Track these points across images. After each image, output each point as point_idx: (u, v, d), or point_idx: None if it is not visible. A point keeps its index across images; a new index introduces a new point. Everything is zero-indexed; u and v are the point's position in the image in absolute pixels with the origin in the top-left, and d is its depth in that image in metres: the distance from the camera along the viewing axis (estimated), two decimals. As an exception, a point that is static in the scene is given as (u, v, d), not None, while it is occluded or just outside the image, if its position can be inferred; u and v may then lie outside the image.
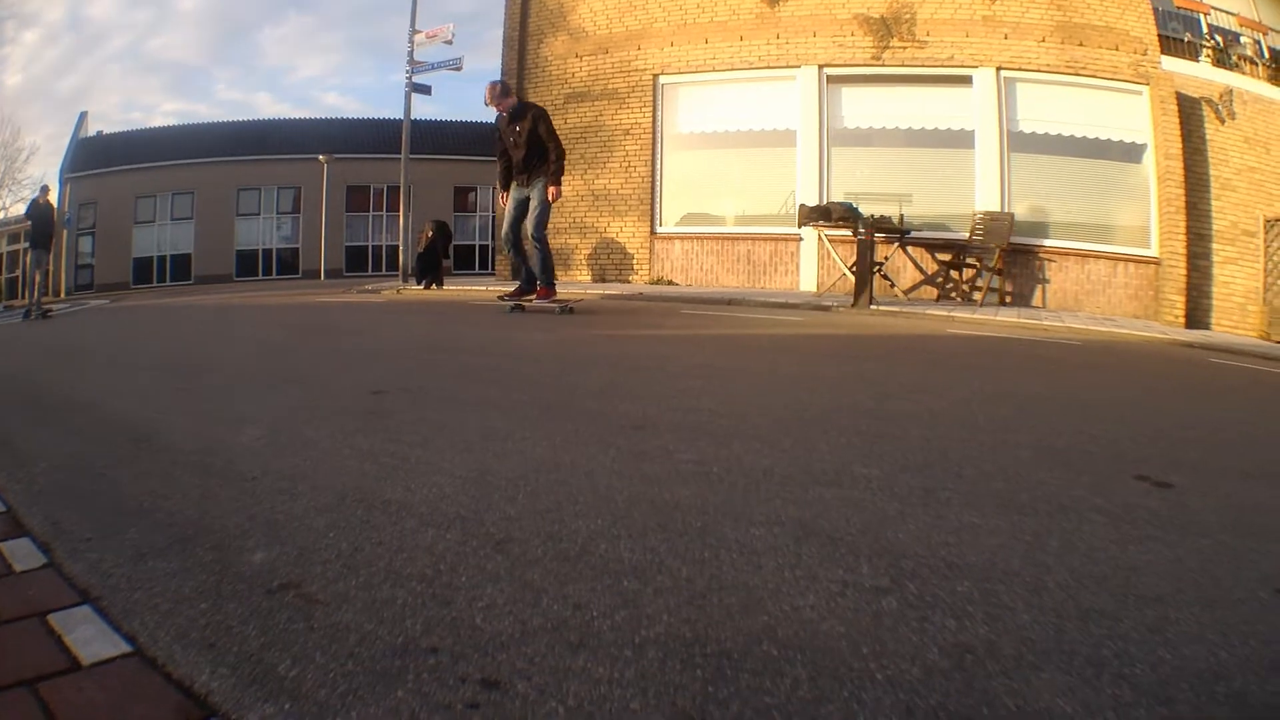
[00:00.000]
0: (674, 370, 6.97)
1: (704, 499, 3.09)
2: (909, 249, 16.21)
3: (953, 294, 15.48)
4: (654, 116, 18.27)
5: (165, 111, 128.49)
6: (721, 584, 2.33)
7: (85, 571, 2.34)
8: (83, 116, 46.65)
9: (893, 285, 15.98)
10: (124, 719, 1.65)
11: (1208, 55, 16.08)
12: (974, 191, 16.13)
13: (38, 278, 18.70)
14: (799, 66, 17.18)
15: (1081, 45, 15.76)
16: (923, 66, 16.51)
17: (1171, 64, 15.70)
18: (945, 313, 12.95)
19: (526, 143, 10.89)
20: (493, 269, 21.87)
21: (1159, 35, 15.78)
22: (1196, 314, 15.36)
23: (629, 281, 17.89)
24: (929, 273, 16.19)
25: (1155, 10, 15.86)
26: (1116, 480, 3.68)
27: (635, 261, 18.17)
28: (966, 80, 16.36)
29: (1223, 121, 15.73)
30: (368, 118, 49.74)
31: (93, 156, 43.81)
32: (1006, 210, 15.71)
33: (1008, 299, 15.80)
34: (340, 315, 12.75)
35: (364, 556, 2.46)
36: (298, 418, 4.58)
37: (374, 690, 1.73)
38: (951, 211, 16.37)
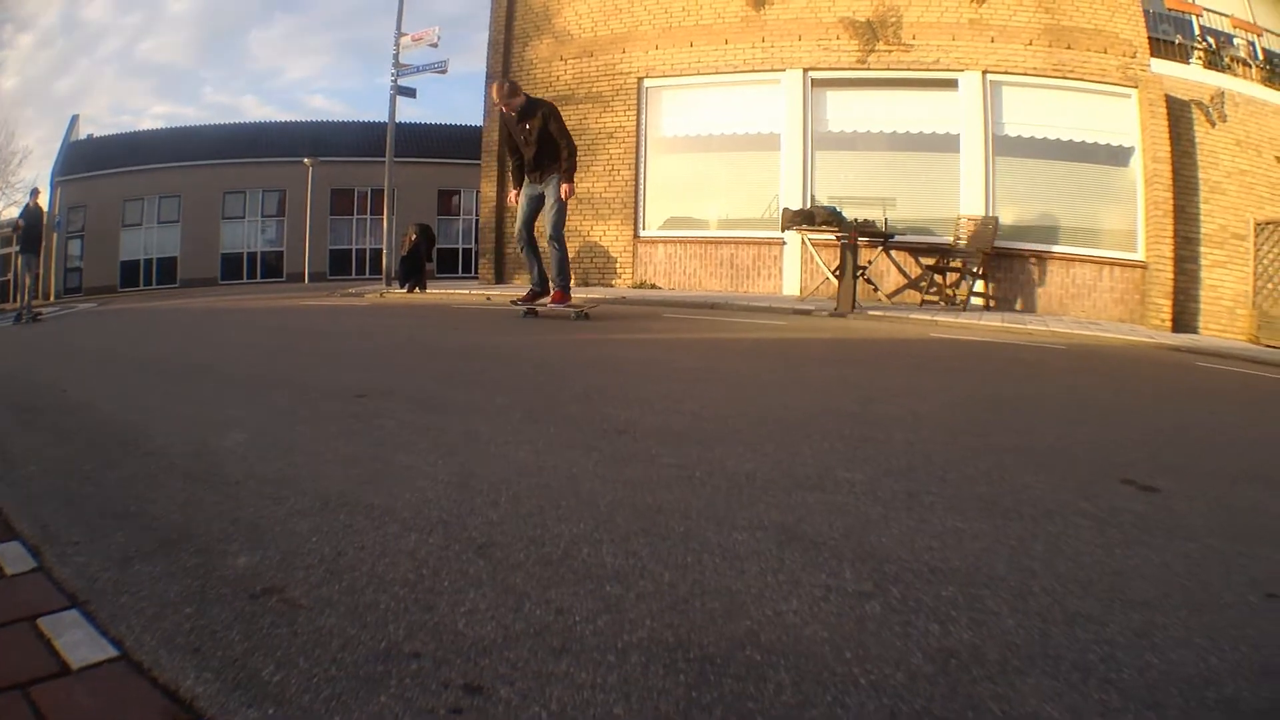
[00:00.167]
0: (657, 374, 6.98)
1: (687, 503, 3.10)
2: (892, 253, 16.24)
3: (936, 298, 15.50)
4: (638, 120, 18.27)
5: (154, 114, 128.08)
6: (704, 589, 2.34)
7: (74, 575, 2.34)
8: (74, 120, 46.72)
9: (876, 289, 16.01)
10: (111, 723, 1.66)
11: (1199, 57, 16.13)
12: (958, 195, 16.18)
13: (28, 281, 18.69)
14: (784, 70, 17.21)
15: (1069, 48, 15.81)
16: (908, 70, 16.55)
17: (1161, 66, 15.75)
18: (928, 317, 12.96)
19: (538, 140, 10.70)
20: (475, 272, 21.83)
21: (1149, 38, 15.83)
22: (1183, 318, 15.41)
23: (611, 285, 17.88)
24: (912, 277, 16.21)
25: (1146, 13, 15.91)
26: (1102, 484, 3.69)
27: (618, 265, 18.17)
28: (952, 84, 16.41)
29: (1213, 124, 15.77)
30: (353, 120, 49.69)
31: (83, 160, 43.81)
32: (991, 214, 15.75)
33: (992, 303, 15.85)
34: (324, 319, 12.73)
35: (347, 561, 2.46)
36: (281, 421, 4.58)
37: (357, 696, 1.73)
38: (935, 215, 16.42)
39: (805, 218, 15.30)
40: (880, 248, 15.86)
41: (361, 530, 2.73)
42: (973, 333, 11.59)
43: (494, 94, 10.98)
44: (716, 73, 17.77)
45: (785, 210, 15.89)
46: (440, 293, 17.99)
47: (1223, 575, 2.63)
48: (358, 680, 1.79)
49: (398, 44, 20.97)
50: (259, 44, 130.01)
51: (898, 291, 16.22)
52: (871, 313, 13.08)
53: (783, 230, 16.13)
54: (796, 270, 16.90)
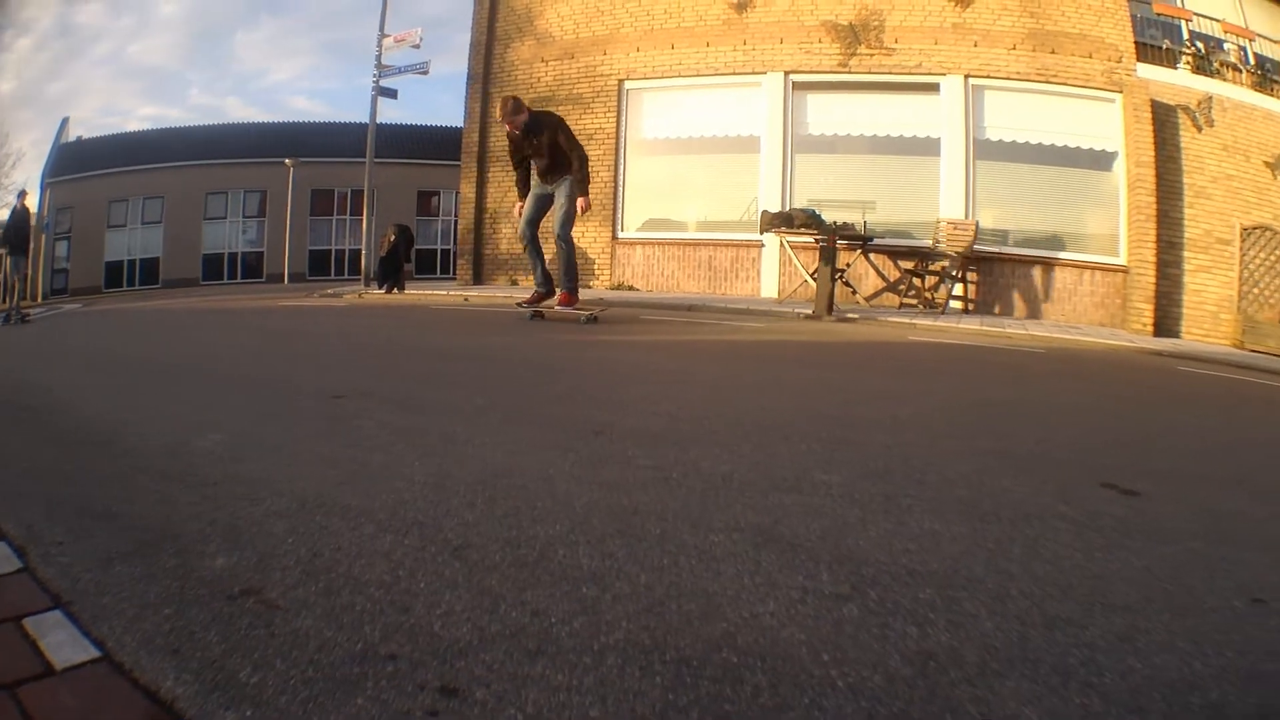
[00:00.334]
0: (634, 376, 6.99)
1: (663, 505, 3.10)
2: (871, 256, 16.29)
3: (915, 301, 15.53)
4: (618, 122, 18.28)
5: (141, 116, 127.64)
6: (680, 590, 2.33)
7: (57, 576, 2.33)
8: (64, 122, 46.68)
9: (855, 292, 16.06)
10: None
11: (1187, 62, 16.19)
12: (939, 199, 16.23)
13: (16, 283, 18.63)
14: (765, 73, 17.23)
15: (1054, 53, 15.87)
16: (890, 74, 16.59)
17: (1147, 71, 15.81)
18: (907, 320, 13.00)
19: (549, 153, 10.67)
20: (454, 273, 21.80)
21: (1136, 42, 15.90)
22: (1166, 322, 15.48)
23: (589, 286, 17.82)
24: (891, 280, 16.26)
25: (1133, 18, 15.98)
26: (1082, 487, 3.70)
27: (596, 266, 18.15)
28: (934, 88, 16.47)
29: (1200, 129, 15.85)
30: (334, 121, 49.60)
31: (72, 161, 43.83)
32: (971, 218, 15.80)
33: (971, 307, 15.90)
34: (302, 320, 12.71)
35: (323, 562, 2.46)
36: (259, 422, 4.57)
37: (334, 697, 1.73)
38: (915, 219, 16.47)
39: (784, 220, 15.30)
40: (859, 251, 15.91)
41: (338, 531, 2.72)
42: (951, 336, 11.63)
43: (496, 113, 10.89)
44: (697, 75, 17.79)
45: (764, 213, 15.89)
46: (418, 293, 17.95)
47: (1206, 579, 2.63)
48: (334, 682, 1.79)
49: (380, 45, 20.89)
50: (244, 46, 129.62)
51: (876, 294, 16.27)
52: (850, 315, 13.12)
53: (761, 233, 16.12)
54: (775, 273, 16.92)
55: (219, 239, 45.21)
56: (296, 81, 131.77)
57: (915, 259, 15.75)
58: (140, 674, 1.82)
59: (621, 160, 18.28)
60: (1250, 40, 16.93)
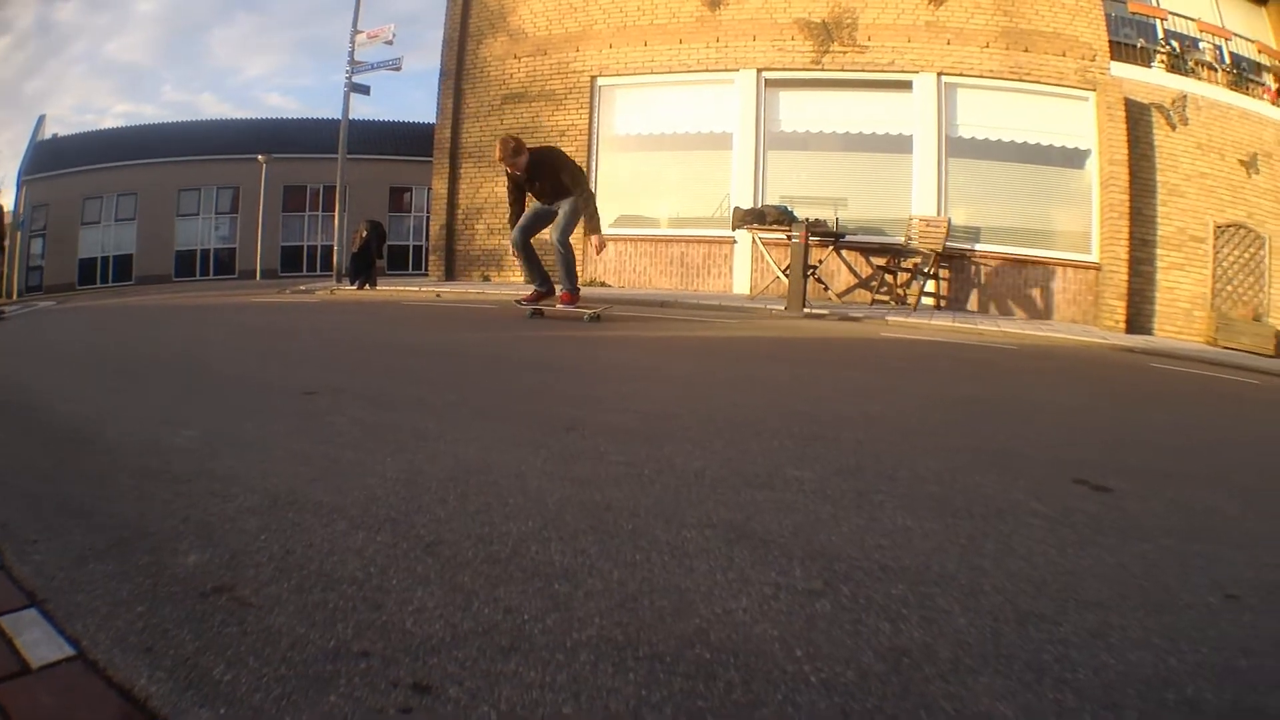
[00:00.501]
0: (606, 372, 6.99)
1: (635, 501, 3.10)
2: (843, 253, 16.34)
3: (887, 298, 15.59)
4: (591, 118, 18.28)
5: (116, 114, 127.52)
6: (653, 587, 2.33)
7: (32, 574, 2.32)
8: (41, 119, 46.41)
9: (826, 289, 16.10)
10: (70, 724, 1.66)
11: (1161, 61, 16.29)
12: (911, 196, 16.30)
13: None
14: (738, 70, 17.27)
15: (1027, 51, 15.96)
16: (863, 71, 16.66)
17: (1121, 70, 15.93)
18: (879, 316, 13.03)
19: (552, 190, 10.66)
20: (426, 270, 21.75)
21: (1110, 41, 16.03)
22: (1138, 319, 15.60)
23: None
24: (863, 276, 16.33)
25: (1107, 16, 16.10)
26: (1054, 484, 3.71)
27: (569, 262, 18.10)
28: (906, 85, 16.55)
29: (1174, 127, 15.96)
30: (307, 117, 49.36)
31: (48, 159, 43.51)
32: (943, 215, 15.86)
33: (943, 303, 15.97)
34: (275, 316, 12.62)
35: (295, 559, 2.45)
36: (232, 418, 4.54)
37: (307, 695, 1.72)
38: (887, 216, 16.53)
39: (756, 217, 15.37)
40: (831, 247, 15.96)
41: (310, 528, 2.71)
42: (923, 333, 11.67)
43: (496, 155, 10.72)
44: (670, 72, 17.81)
45: (736, 209, 15.96)
46: (390, 290, 17.86)
47: (1180, 576, 2.64)
48: (307, 679, 1.79)
49: (353, 41, 20.83)
50: (220, 42, 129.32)
51: (848, 291, 16.33)
52: (822, 312, 13.14)
53: (734, 229, 16.18)
54: (747, 269, 16.96)
55: (192, 235, 44.92)
56: (271, 78, 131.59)
57: (887, 256, 15.82)
58: (114, 672, 1.81)
59: (594, 157, 18.26)
60: (1226, 39, 17.06)
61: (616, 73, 18.18)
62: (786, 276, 13.99)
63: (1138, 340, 13.36)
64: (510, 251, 11.38)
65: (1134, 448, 5.06)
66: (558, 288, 11.02)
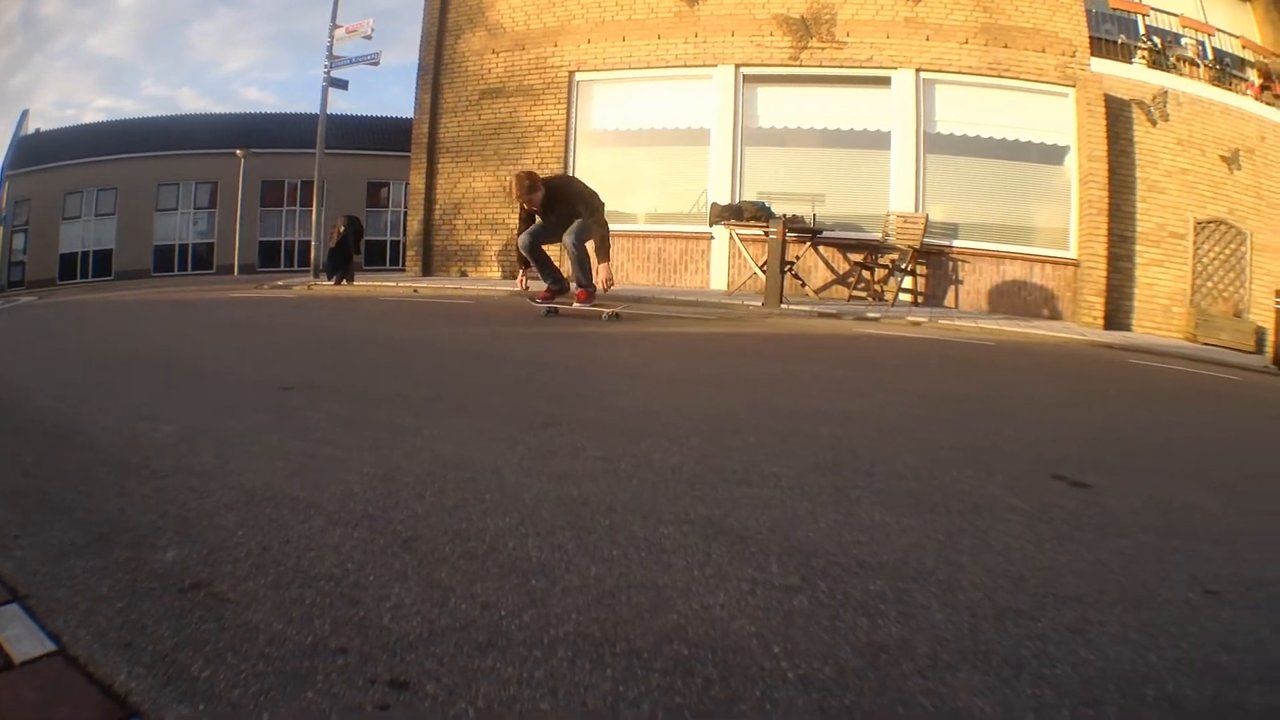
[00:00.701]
0: (583, 368, 6.99)
1: (613, 496, 3.10)
2: (821, 249, 16.36)
3: (865, 294, 15.63)
4: (568, 113, 18.28)
5: (97, 108, 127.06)
6: (630, 582, 2.33)
7: (14, 569, 2.31)
8: (24, 115, 46.45)
9: (804, 285, 16.11)
10: (52, 719, 1.65)
11: (1143, 57, 16.32)
12: (889, 192, 16.31)
13: None
14: (716, 66, 17.27)
15: (1006, 47, 16.00)
16: (841, 67, 16.67)
17: (1102, 66, 15.96)
18: (856, 312, 13.06)
19: (568, 218, 10.54)
20: (403, 265, 21.70)
21: (1090, 37, 16.05)
22: (1117, 315, 15.65)
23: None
24: (841, 272, 16.36)
25: (1088, 12, 16.12)
26: (1032, 480, 3.71)
27: (545, 258, 18.10)
28: (885, 81, 16.57)
29: (1154, 123, 16.00)
30: (285, 112, 49.16)
31: (30, 154, 43.49)
32: (921, 211, 15.89)
33: (920, 300, 16.00)
34: (252, 311, 12.59)
35: (272, 555, 2.44)
36: (210, 414, 4.53)
37: (285, 691, 1.72)
38: (865, 212, 16.54)
39: (734, 213, 15.37)
40: (808, 243, 15.96)
41: (287, 524, 2.70)
42: (901, 329, 11.70)
43: (513, 194, 10.61)
44: (648, 67, 17.80)
45: (714, 205, 15.95)
46: (368, 285, 17.83)
47: (1159, 572, 2.64)
48: (285, 676, 1.78)
49: (332, 36, 20.78)
50: (200, 36, 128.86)
51: (826, 287, 16.35)
52: (799, 308, 13.17)
53: (711, 225, 16.17)
54: (724, 265, 16.98)
55: (170, 230, 44.89)
56: (249, 72, 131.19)
57: (865, 252, 15.87)
58: (95, 668, 1.80)
59: (571, 152, 18.27)
60: (1209, 35, 17.11)
61: (595, 68, 18.17)
62: (764, 273, 14.00)
63: (1116, 336, 13.40)
64: (516, 255, 11.19)
65: (1112, 444, 5.07)
66: (572, 286, 10.90)
